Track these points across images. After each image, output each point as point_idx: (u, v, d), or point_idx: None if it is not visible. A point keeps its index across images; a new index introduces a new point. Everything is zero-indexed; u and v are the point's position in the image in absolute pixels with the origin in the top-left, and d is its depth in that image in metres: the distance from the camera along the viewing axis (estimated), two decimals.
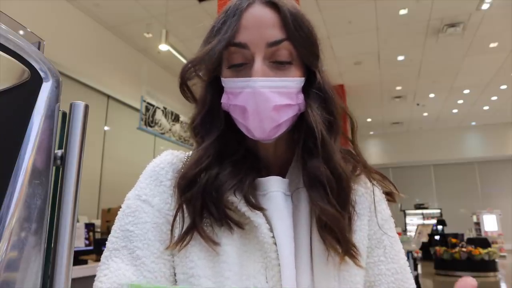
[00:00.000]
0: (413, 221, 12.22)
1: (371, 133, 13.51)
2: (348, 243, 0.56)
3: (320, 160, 0.57)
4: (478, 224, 11.10)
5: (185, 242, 0.55)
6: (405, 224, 12.44)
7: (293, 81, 0.57)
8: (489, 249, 7.68)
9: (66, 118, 0.42)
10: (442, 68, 7.85)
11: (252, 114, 0.55)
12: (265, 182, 0.59)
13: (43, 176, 0.39)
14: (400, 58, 7.38)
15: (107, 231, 3.70)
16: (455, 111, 11.18)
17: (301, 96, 0.59)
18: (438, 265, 8.11)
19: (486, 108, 10.87)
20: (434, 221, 11.62)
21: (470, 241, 8.69)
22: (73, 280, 0.40)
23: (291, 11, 0.57)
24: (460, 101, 10.26)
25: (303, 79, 0.59)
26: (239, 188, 0.57)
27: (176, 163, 0.63)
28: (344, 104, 0.65)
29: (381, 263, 0.62)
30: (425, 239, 8.37)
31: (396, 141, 13.40)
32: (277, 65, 0.57)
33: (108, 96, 5.98)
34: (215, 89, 0.61)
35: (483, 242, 8.42)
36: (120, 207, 0.61)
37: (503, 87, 9.01)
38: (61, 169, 0.41)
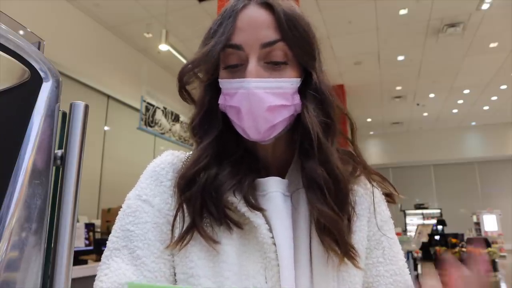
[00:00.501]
0: (413, 221, 12.21)
1: (371, 133, 13.51)
2: (346, 244, 0.56)
3: (316, 162, 0.57)
4: (478, 224, 11.09)
5: (185, 242, 0.56)
6: (405, 224, 12.43)
7: (288, 82, 0.57)
8: (489, 249, 7.67)
9: (66, 118, 0.42)
10: (442, 68, 7.85)
11: (246, 115, 0.56)
12: (265, 183, 0.60)
13: (43, 176, 0.39)
14: (400, 58, 7.38)
15: (107, 231, 3.70)
16: (455, 111, 11.17)
17: (297, 97, 0.59)
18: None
19: (486, 108, 10.86)
20: (434, 221, 11.60)
21: (470, 241, 8.68)
22: (73, 280, 0.40)
23: (286, 11, 0.57)
24: (460, 101, 10.25)
25: (299, 79, 0.59)
26: (238, 188, 0.57)
27: (177, 164, 0.63)
28: (343, 105, 0.64)
29: (379, 264, 0.62)
30: (425, 239, 8.37)
31: (396, 141, 13.39)
32: (272, 66, 0.57)
33: (108, 96, 5.98)
34: (213, 90, 0.61)
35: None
36: (120, 207, 0.61)
37: (503, 87, 9.01)
38: (61, 169, 0.41)
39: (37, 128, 0.39)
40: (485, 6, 5.52)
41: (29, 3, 4.20)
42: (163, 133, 5.77)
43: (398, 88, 9.09)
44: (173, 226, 0.57)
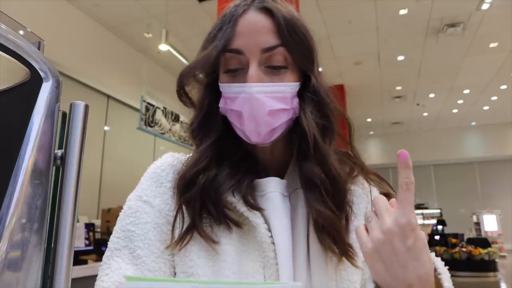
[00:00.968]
0: None
1: (371, 133, 13.51)
2: (344, 244, 0.57)
3: (313, 163, 0.58)
4: (478, 224, 11.10)
5: (185, 242, 0.56)
6: None
7: (288, 86, 0.58)
8: (489, 249, 7.67)
9: (66, 118, 0.42)
10: (442, 68, 7.85)
11: (247, 119, 0.56)
12: (263, 183, 0.60)
13: (43, 176, 0.39)
14: (400, 58, 7.38)
15: (107, 231, 3.70)
16: (455, 111, 11.18)
17: (296, 100, 0.60)
18: None
19: (486, 108, 10.87)
20: (434, 221, 11.61)
21: (470, 241, 8.68)
22: (73, 280, 0.40)
23: (286, 17, 0.58)
24: (460, 101, 10.25)
25: (298, 83, 0.60)
26: (237, 188, 0.58)
27: (177, 165, 0.64)
28: (341, 107, 0.65)
29: None
30: None
31: (396, 141, 13.38)
32: (272, 70, 0.58)
33: (108, 96, 5.98)
34: (213, 93, 0.62)
35: (483, 242, 8.41)
36: (120, 207, 0.62)
37: (503, 87, 9.01)
38: (61, 169, 0.41)
39: (37, 128, 0.39)
40: (485, 6, 5.52)
41: (29, 3, 4.20)
42: (163, 133, 5.77)
43: (398, 88, 9.09)
44: (173, 226, 0.58)
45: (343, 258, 0.57)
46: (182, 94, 0.64)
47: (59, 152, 0.41)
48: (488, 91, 9.35)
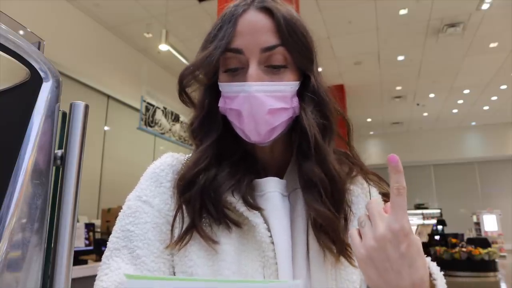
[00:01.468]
0: (413, 221, 12.18)
1: (371, 133, 13.51)
2: (342, 243, 0.57)
3: (313, 163, 0.58)
4: (478, 224, 11.09)
5: (184, 242, 0.56)
6: None
7: (288, 85, 0.59)
8: (489, 249, 7.67)
9: (66, 118, 0.42)
10: (442, 68, 7.85)
11: (247, 118, 0.57)
12: (263, 183, 0.60)
13: (43, 176, 0.39)
14: (400, 58, 7.38)
15: (107, 231, 3.70)
16: (455, 111, 11.17)
17: (296, 100, 0.60)
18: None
19: (486, 108, 10.86)
20: (434, 221, 11.60)
21: (470, 241, 8.67)
22: (73, 280, 0.40)
23: (285, 16, 0.58)
24: (460, 101, 10.25)
25: (297, 83, 0.60)
26: (237, 188, 0.58)
27: (176, 165, 0.64)
28: (341, 107, 0.66)
29: None
30: (425, 239, 8.36)
31: (396, 141, 13.38)
32: (272, 70, 0.58)
33: (108, 96, 5.98)
34: (213, 93, 0.62)
35: (483, 242, 8.41)
36: (120, 207, 0.62)
37: (503, 87, 9.01)
38: (61, 169, 0.41)
39: (37, 128, 0.39)
40: (485, 6, 5.52)
41: (29, 3, 4.20)
42: (163, 133, 5.77)
43: (398, 88, 9.09)
44: (172, 226, 0.58)
45: (342, 258, 0.57)
46: (183, 94, 0.64)
47: (59, 152, 0.41)
48: (488, 91, 9.35)
